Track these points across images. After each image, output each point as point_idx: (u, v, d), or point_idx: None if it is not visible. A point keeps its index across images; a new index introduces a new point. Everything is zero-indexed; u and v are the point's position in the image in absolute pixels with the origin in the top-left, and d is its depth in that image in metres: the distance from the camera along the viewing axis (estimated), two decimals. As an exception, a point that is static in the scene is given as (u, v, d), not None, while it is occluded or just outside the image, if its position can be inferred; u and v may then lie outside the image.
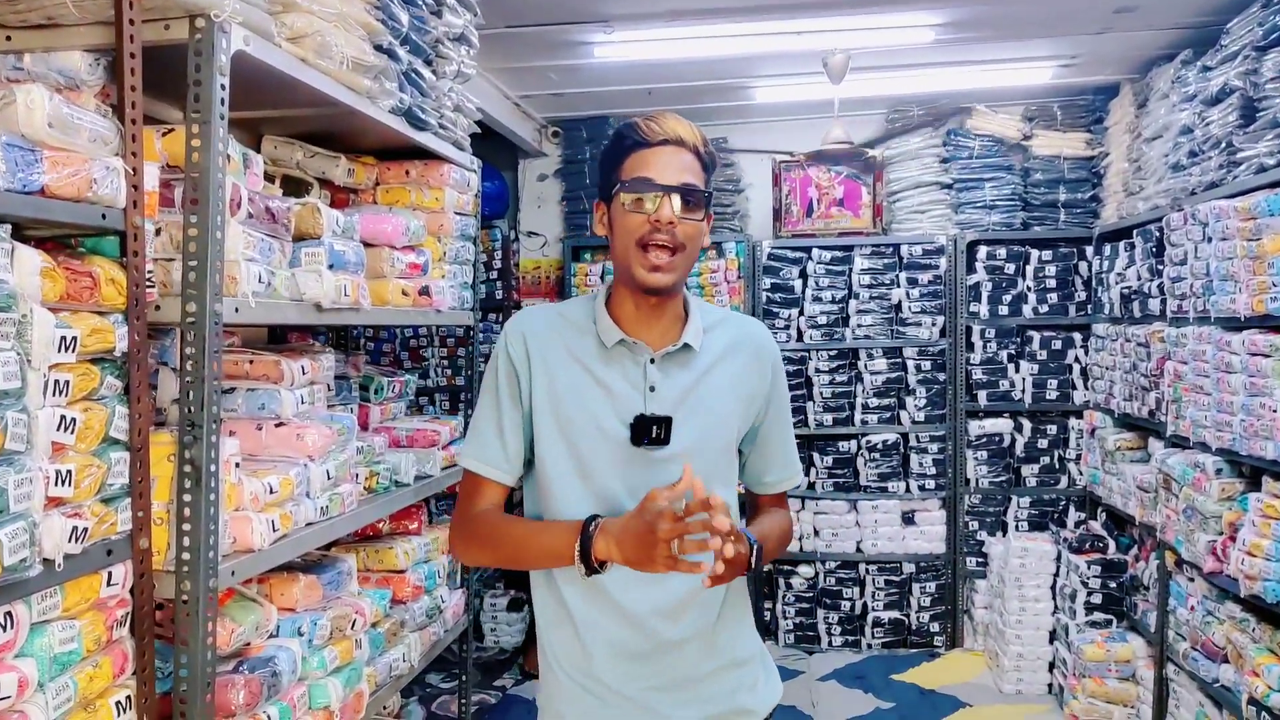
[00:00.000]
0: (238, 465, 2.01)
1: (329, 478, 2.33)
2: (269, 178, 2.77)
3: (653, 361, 1.61)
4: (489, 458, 1.65)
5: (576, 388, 1.61)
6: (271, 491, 2.09)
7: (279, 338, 3.05)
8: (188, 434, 1.82)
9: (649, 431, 1.57)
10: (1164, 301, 4.25)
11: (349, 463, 2.44)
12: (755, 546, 1.54)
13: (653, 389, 1.60)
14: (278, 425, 2.30)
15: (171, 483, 1.81)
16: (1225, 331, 3.64)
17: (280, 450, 2.30)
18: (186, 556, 1.80)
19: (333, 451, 2.39)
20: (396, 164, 3.00)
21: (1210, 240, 3.77)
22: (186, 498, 1.81)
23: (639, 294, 1.59)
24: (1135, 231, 4.58)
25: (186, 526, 1.81)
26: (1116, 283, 4.77)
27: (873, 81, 4.84)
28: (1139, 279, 4.55)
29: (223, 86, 1.79)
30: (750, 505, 1.85)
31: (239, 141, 1.97)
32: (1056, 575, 4.89)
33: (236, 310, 1.92)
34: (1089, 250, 5.20)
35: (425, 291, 2.82)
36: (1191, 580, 3.96)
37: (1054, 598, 4.89)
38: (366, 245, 2.73)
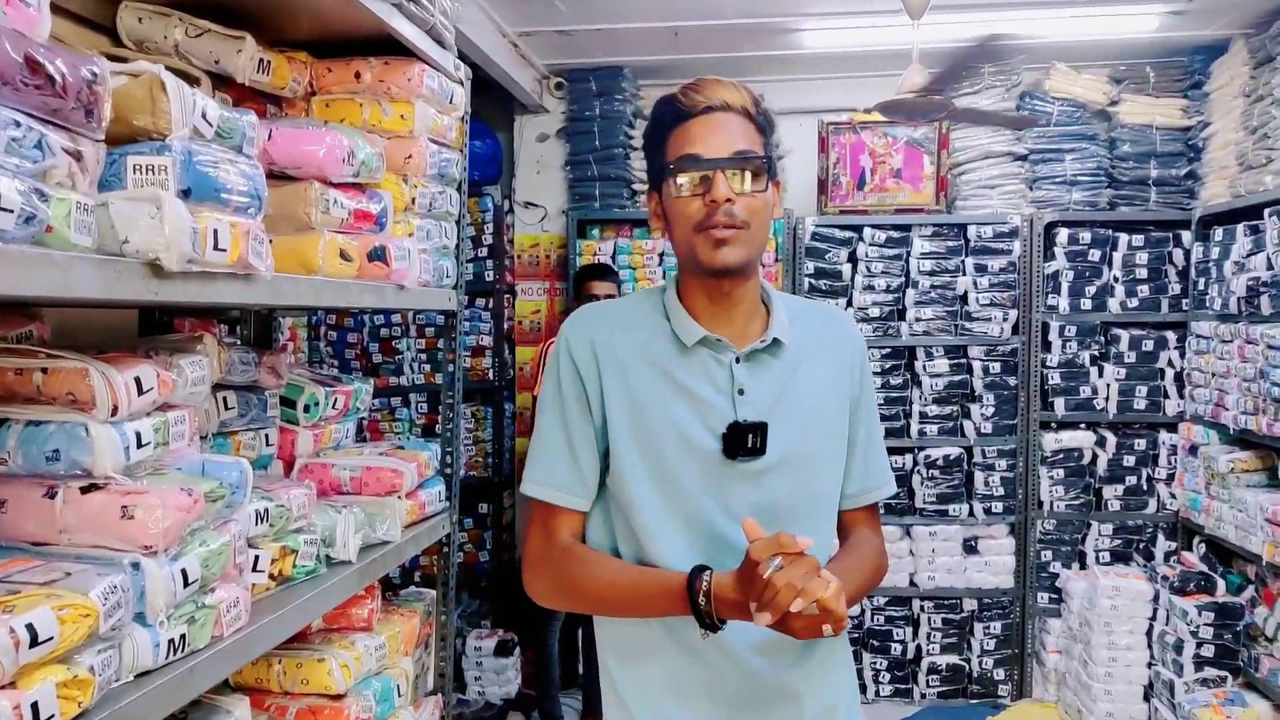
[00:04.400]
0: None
1: (185, 582, 1.18)
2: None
3: (738, 361, 1.32)
4: (562, 483, 1.33)
5: (655, 394, 1.31)
6: (35, 641, 0.95)
7: (158, 324, 1.88)
8: None
9: (744, 441, 1.27)
10: (1315, 296, 3.18)
11: (232, 546, 1.29)
12: None
13: (741, 392, 1.30)
14: (87, 490, 1.15)
15: None
16: None
17: (92, 535, 1.15)
18: None
19: (199, 532, 1.24)
20: (342, 63, 1.84)
21: None
22: None
23: (709, 281, 1.31)
24: (1267, 211, 3.48)
25: None
26: (1234, 273, 3.68)
27: (947, 26, 3.70)
28: (1270, 268, 3.46)
29: None
30: (838, 525, 1.46)
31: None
32: (1152, 619, 3.81)
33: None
34: (1185, 235, 4.11)
35: (379, 255, 1.67)
36: (1360, 645, 2.91)
37: (1149, 646, 3.81)
38: (282, 178, 1.58)
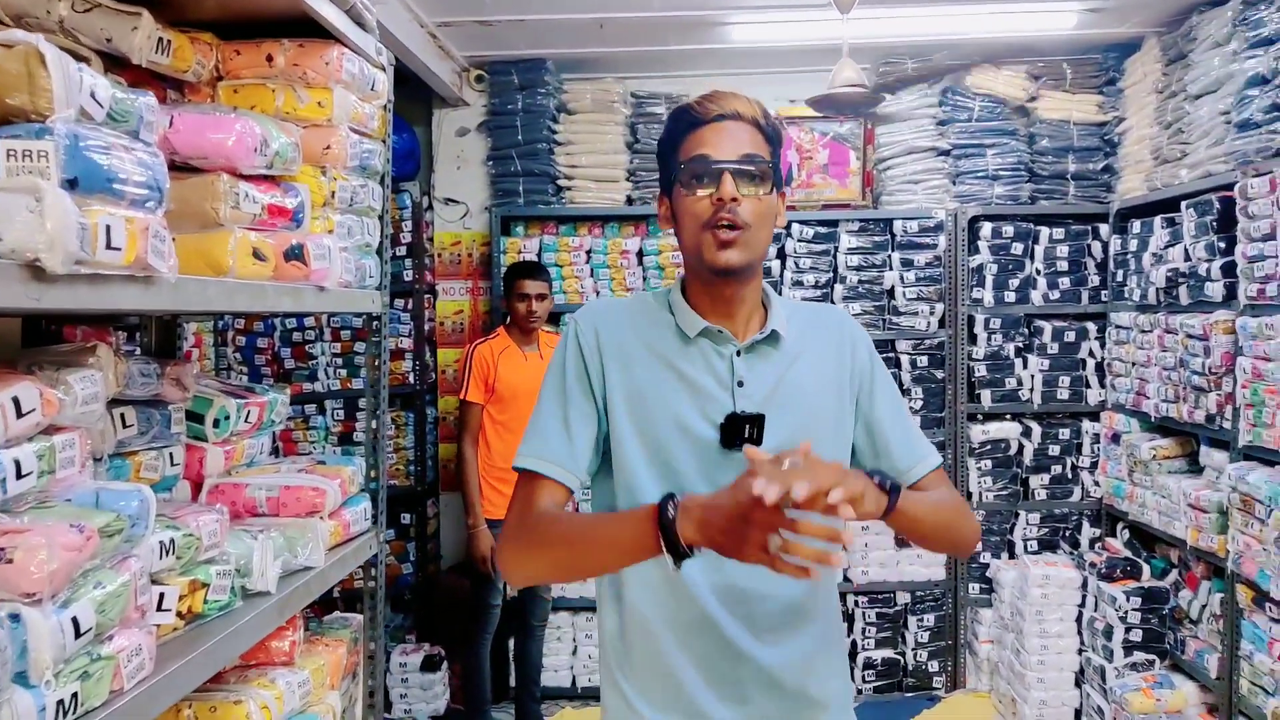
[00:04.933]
0: None
1: (78, 632, 1.03)
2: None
3: (739, 353, 1.37)
4: (552, 454, 1.34)
5: (656, 384, 1.35)
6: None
7: (46, 333, 1.69)
8: None
9: (741, 432, 1.31)
10: (1231, 285, 3.26)
11: (133, 586, 1.13)
12: (892, 486, 1.22)
13: (741, 384, 1.35)
14: (-45, 529, 0.99)
15: None
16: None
17: (-37, 582, 0.99)
18: None
19: (94, 572, 1.08)
20: (252, 45, 1.68)
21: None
22: None
23: (713, 282, 1.36)
24: (1184, 203, 3.56)
25: None
26: (1153, 264, 3.76)
27: (874, 22, 3.69)
28: (1188, 259, 3.54)
29: None
30: None
31: None
32: (1082, 606, 3.87)
33: None
34: (1103, 228, 4.19)
35: (297, 254, 1.52)
36: (1279, 622, 3.00)
37: (1079, 632, 3.87)
38: (186, 170, 1.42)
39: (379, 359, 1.93)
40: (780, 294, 4.03)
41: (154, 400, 1.60)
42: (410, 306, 4.30)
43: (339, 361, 4.29)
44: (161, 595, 1.26)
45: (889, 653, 4.14)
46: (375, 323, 1.93)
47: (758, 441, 1.30)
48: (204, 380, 1.77)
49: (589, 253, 4.12)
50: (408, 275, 4.28)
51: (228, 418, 1.72)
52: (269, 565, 1.46)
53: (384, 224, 1.89)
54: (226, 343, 4.27)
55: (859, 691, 4.12)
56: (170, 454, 1.62)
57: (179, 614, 1.30)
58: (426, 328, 4.38)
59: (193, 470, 1.71)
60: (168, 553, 1.27)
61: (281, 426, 1.91)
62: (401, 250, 4.27)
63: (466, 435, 3.55)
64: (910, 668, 4.15)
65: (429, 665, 3.92)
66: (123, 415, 1.52)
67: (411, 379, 4.30)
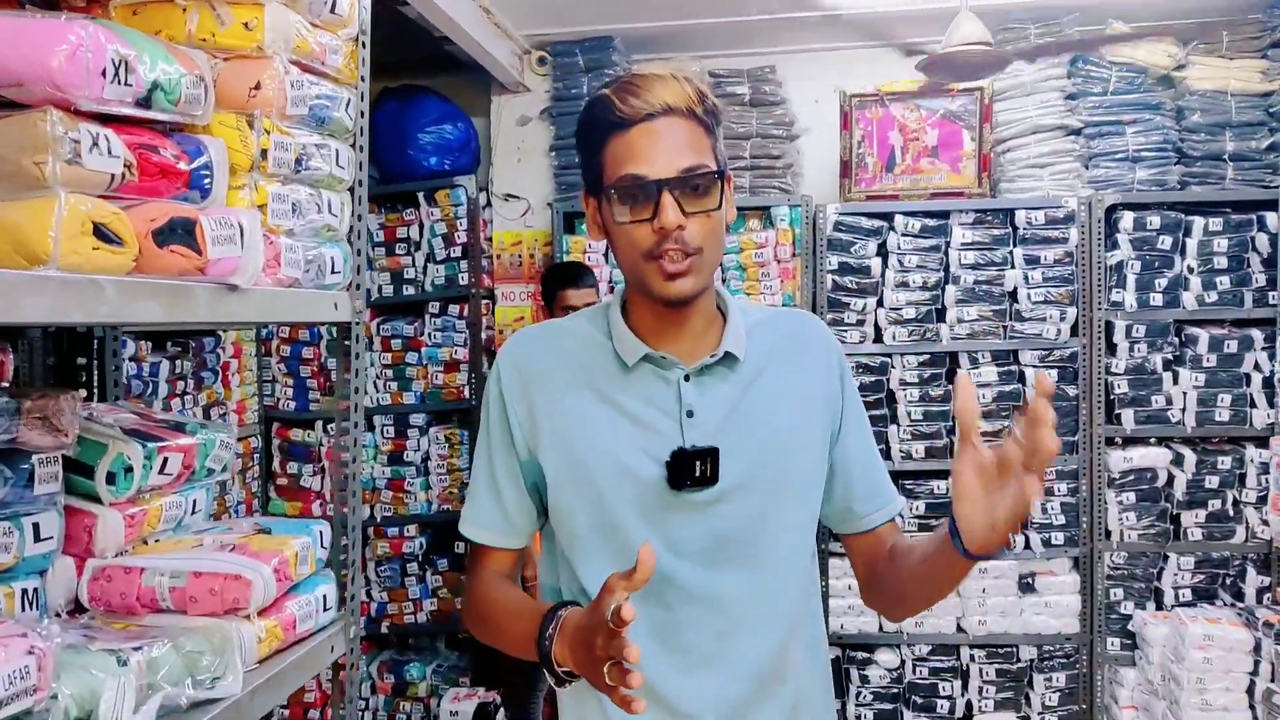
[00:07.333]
0: None
1: None
2: None
3: (687, 379, 1.15)
4: (484, 520, 1.22)
5: (591, 421, 1.14)
6: None
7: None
8: None
9: (692, 469, 1.09)
10: None
11: None
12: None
13: (690, 414, 1.13)
14: None
15: None
16: None
17: None
18: None
19: None
20: (156, -53, 1.15)
21: None
22: None
23: (659, 306, 1.14)
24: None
25: None
26: (1345, 259, 2.98)
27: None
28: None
29: None
30: (856, 560, 1.26)
31: None
32: (1254, 675, 3.10)
33: None
34: (1270, 217, 3.40)
35: (181, 236, 0.97)
36: None
37: (1251, 705, 3.10)
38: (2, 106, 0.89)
39: (353, 382, 1.39)
40: (882, 299, 3.44)
41: (10, 449, 1.09)
42: (466, 313, 3.79)
43: (389, 374, 3.82)
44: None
45: (1010, 716, 3.42)
46: (349, 332, 1.38)
47: (713, 479, 1.10)
48: (107, 417, 1.25)
49: (661, 252, 3.53)
50: (463, 279, 3.76)
51: (129, 470, 1.19)
52: (125, 710, 0.92)
53: (357, 199, 1.34)
54: (271, 353, 3.84)
55: (975, 760, 3.42)
56: (34, 525, 1.11)
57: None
58: (484, 336, 3.85)
59: (81, 544, 1.19)
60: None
61: (225, 475, 1.38)
62: (456, 251, 3.76)
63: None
64: (1036, 734, 3.43)
65: (482, 714, 3.39)
66: (-52, 473, 1.01)
67: (467, 393, 3.78)
